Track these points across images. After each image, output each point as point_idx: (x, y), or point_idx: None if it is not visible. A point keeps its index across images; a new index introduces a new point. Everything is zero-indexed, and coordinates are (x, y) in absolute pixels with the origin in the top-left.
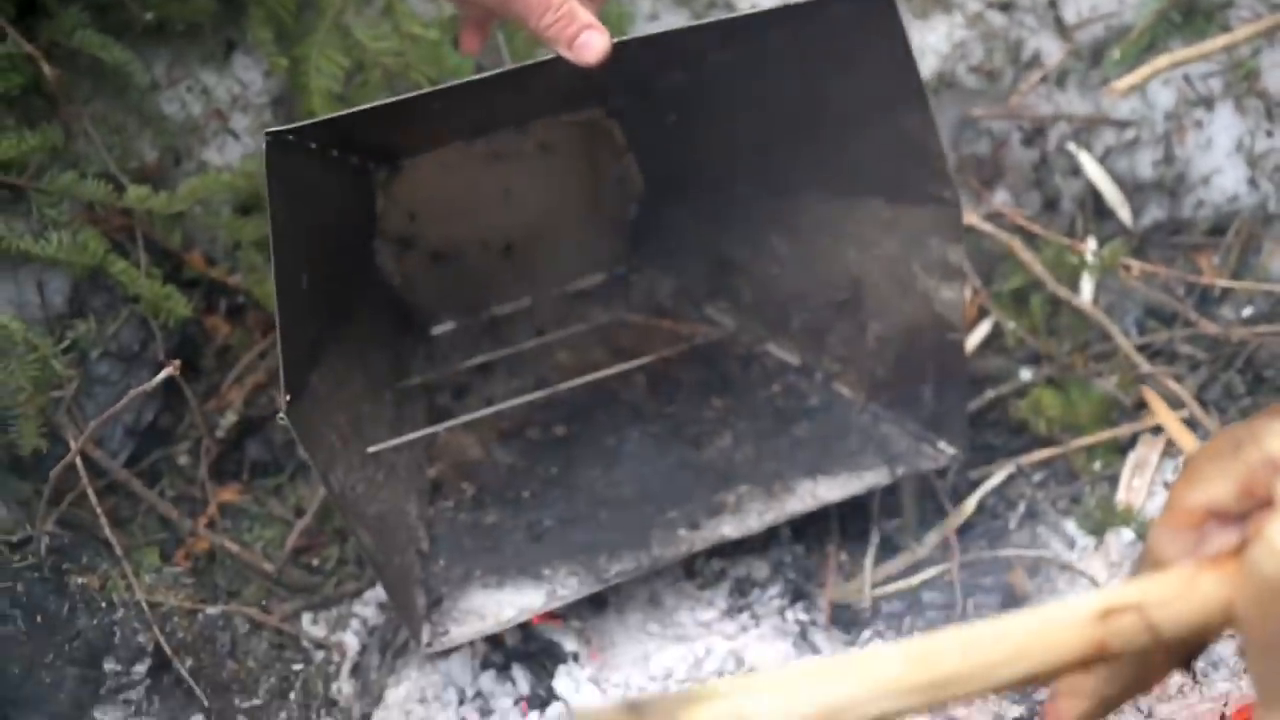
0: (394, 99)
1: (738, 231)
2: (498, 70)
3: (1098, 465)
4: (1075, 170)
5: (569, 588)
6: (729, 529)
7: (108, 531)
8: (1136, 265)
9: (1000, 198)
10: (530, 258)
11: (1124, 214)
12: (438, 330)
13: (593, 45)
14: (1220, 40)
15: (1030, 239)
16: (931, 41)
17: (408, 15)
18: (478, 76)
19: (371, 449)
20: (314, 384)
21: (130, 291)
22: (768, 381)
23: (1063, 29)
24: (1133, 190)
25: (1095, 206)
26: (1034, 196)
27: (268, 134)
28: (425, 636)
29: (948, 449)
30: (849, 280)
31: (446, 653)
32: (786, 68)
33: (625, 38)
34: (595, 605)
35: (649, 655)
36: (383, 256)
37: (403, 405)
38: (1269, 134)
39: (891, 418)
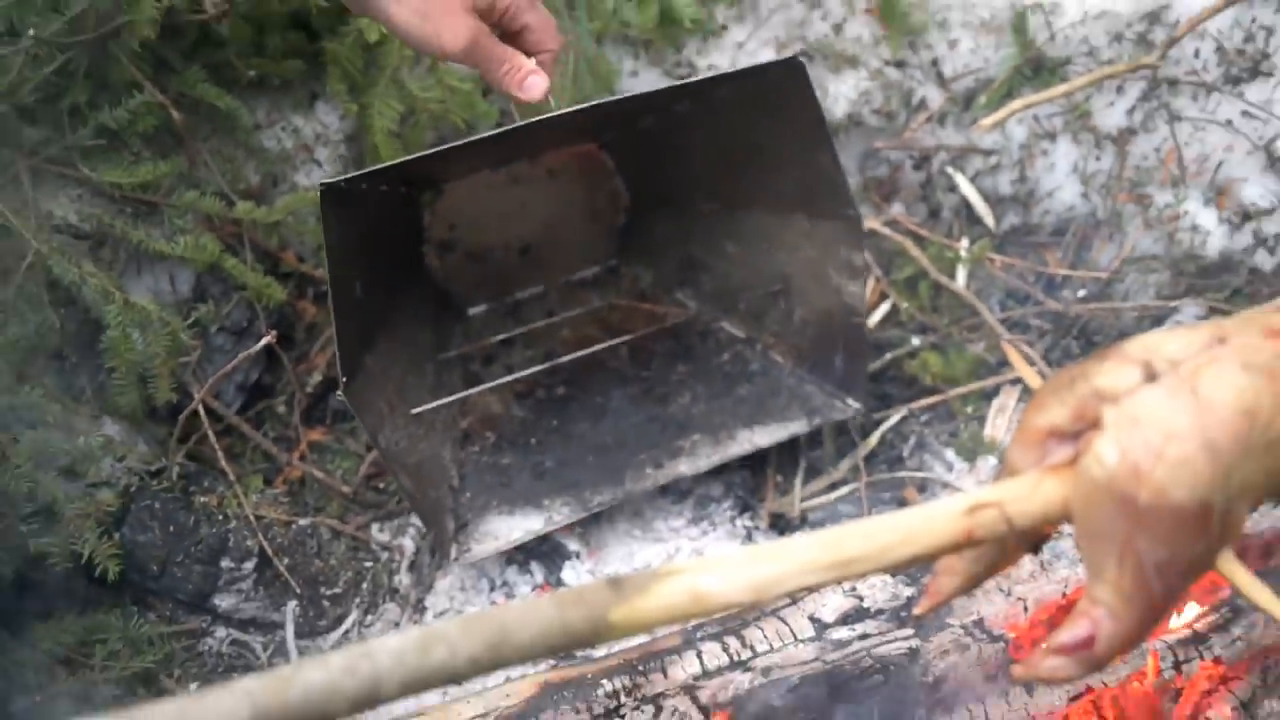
0: (434, 150)
1: (699, 237)
2: (513, 126)
3: (970, 409)
4: (952, 188)
5: (562, 515)
6: (684, 468)
7: (223, 463)
8: (999, 259)
9: (896, 209)
10: (542, 255)
11: (989, 220)
12: (473, 312)
13: (536, 86)
14: (1060, 89)
15: (919, 240)
16: (844, 90)
17: (449, 71)
18: (499, 130)
19: (415, 410)
20: (368, 364)
21: (239, 282)
22: (719, 352)
23: (943, 81)
24: (995, 202)
25: (967, 215)
26: (921, 208)
27: (321, 185)
28: (453, 554)
29: (853, 404)
30: (780, 275)
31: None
32: (731, 116)
33: (613, 97)
34: (593, 517)
35: (633, 553)
36: (429, 258)
37: (441, 374)
38: (1097, 159)
39: (811, 380)
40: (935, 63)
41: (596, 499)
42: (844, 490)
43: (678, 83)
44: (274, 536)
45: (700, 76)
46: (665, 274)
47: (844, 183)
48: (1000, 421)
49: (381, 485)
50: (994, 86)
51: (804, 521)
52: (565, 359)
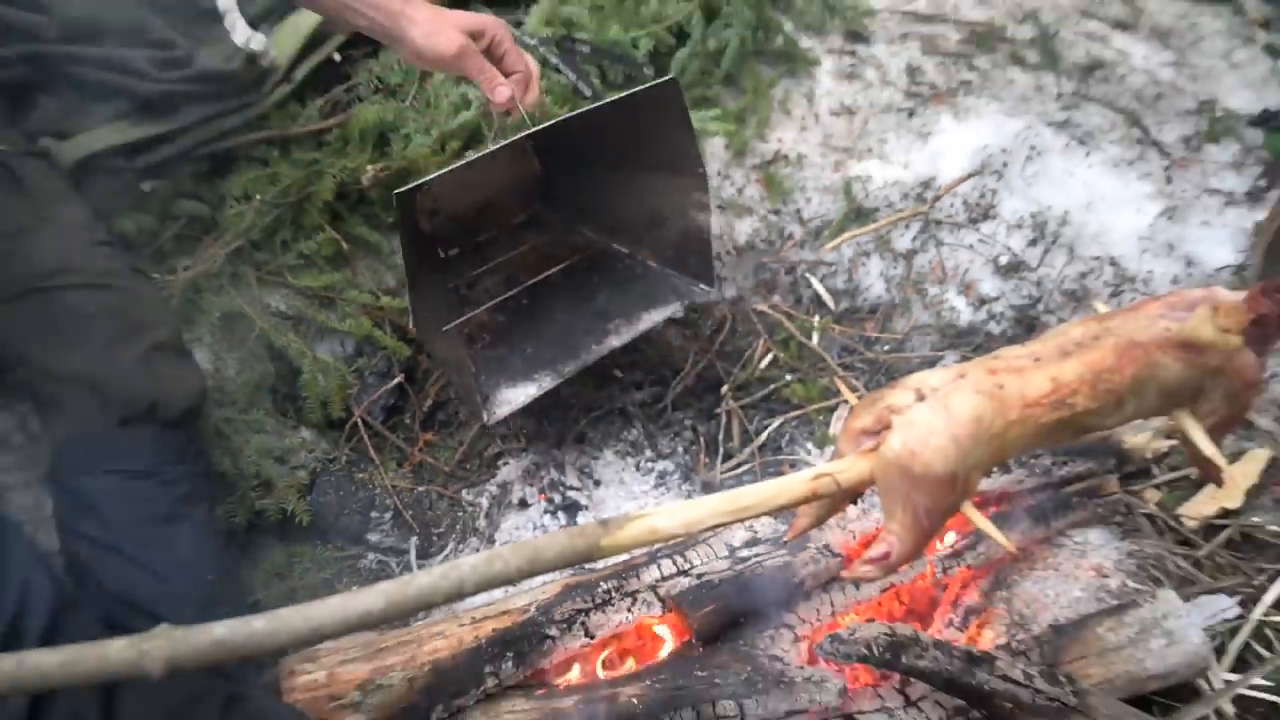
0: (446, 171)
1: (597, 187)
2: (490, 151)
3: (821, 418)
4: (809, 285)
5: (547, 382)
6: (614, 341)
7: (372, 454)
8: (836, 328)
9: (775, 298)
10: (494, 210)
11: (830, 304)
12: (452, 253)
13: (502, 93)
14: (871, 226)
15: (789, 316)
16: (744, 228)
17: None
18: (477, 157)
19: (444, 328)
20: (418, 305)
21: (382, 344)
22: (617, 265)
23: (802, 221)
24: (834, 294)
25: (817, 301)
26: (791, 297)
27: (397, 193)
28: (486, 417)
29: (705, 288)
30: (654, 211)
31: (517, 507)
32: (626, 115)
33: (551, 121)
34: (598, 486)
35: (620, 507)
36: (423, 223)
37: (452, 304)
38: (895, 268)
39: (678, 276)
40: (798, 211)
41: (565, 368)
42: (746, 468)
43: (597, 105)
44: (403, 498)
45: (611, 99)
46: (575, 218)
47: (697, 153)
48: (839, 426)
49: (467, 466)
50: (833, 225)
51: (723, 487)
52: (527, 284)
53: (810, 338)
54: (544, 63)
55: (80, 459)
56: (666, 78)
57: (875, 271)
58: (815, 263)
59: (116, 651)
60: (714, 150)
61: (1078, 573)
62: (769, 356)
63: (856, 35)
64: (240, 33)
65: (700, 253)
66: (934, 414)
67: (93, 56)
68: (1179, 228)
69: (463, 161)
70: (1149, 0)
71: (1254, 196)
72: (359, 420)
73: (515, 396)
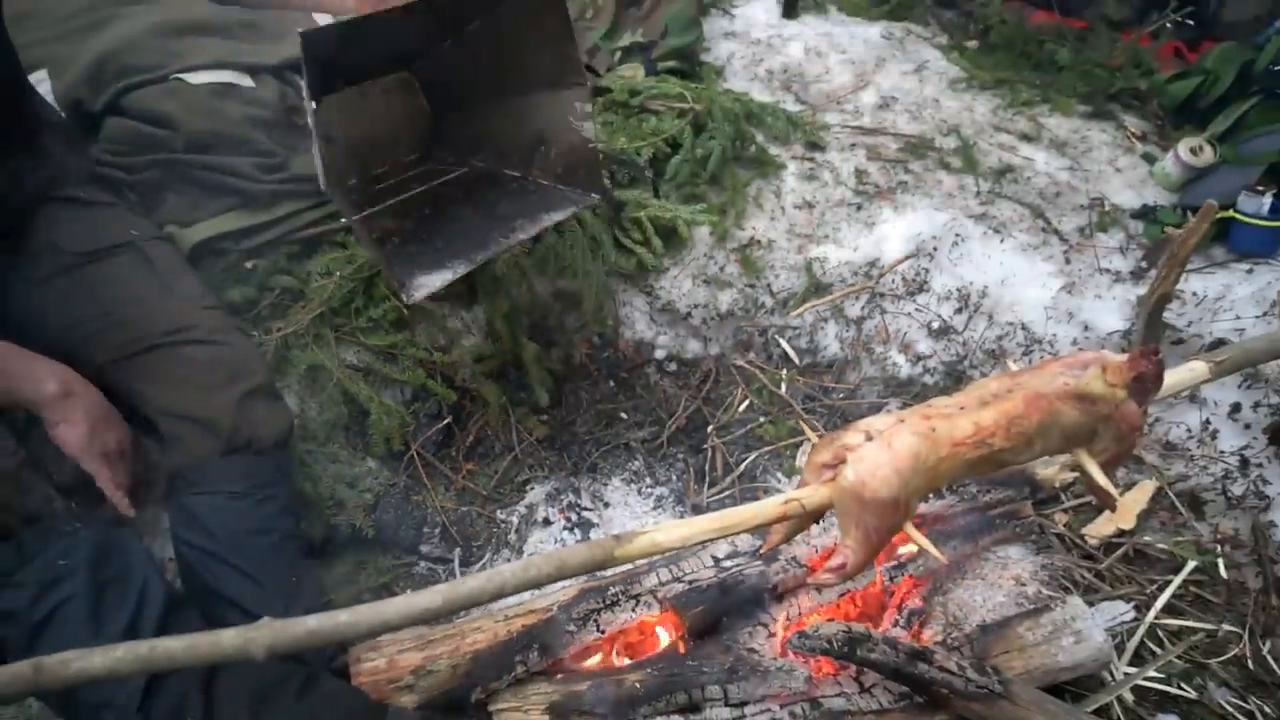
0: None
1: (485, 118)
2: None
3: (788, 453)
4: (778, 345)
5: (460, 267)
6: (521, 235)
7: (425, 480)
8: (800, 379)
9: (750, 355)
10: (386, 146)
11: (795, 360)
12: (352, 183)
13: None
14: (829, 298)
15: (762, 370)
16: (724, 298)
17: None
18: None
19: (352, 219)
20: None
21: (434, 392)
22: (510, 184)
23: (773, 293)
24: (798, 351)
25: (784, 358)
26: (764, 355)
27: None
28: (405, 297)
29: (594, 196)
30: (542, 131)
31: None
32: (504, 30)
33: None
34: (607, 507)
35: (626, 524)
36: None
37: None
38: (847, 331)
39: (568, 189)
40: (769, 285)
41: (477, 257)
42: (728, 493)
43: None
44: (449, 516)
45: None
46: (467, 147)
47: (579, 60)
48: (803, 460)
49: (501, 490)
50: (797, 296)
51: (709, 508)
52: (422, 189)
53: (779, 387)
54: None
55: (191, 482)
56: None
57: (831, 334)
58: (783, 327)
59: (228, 639)
60: (701, 236)
61: (1001, 581)
62: (746, 402)
63: (814, 145)
64: None
65: (589, 164)
66: (880, 451)
67: (210, 163)
68: (1077, 300)
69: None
70: (1049, 118)
71: (1137, 275)
72: (414, 453)
73: (432, 281)
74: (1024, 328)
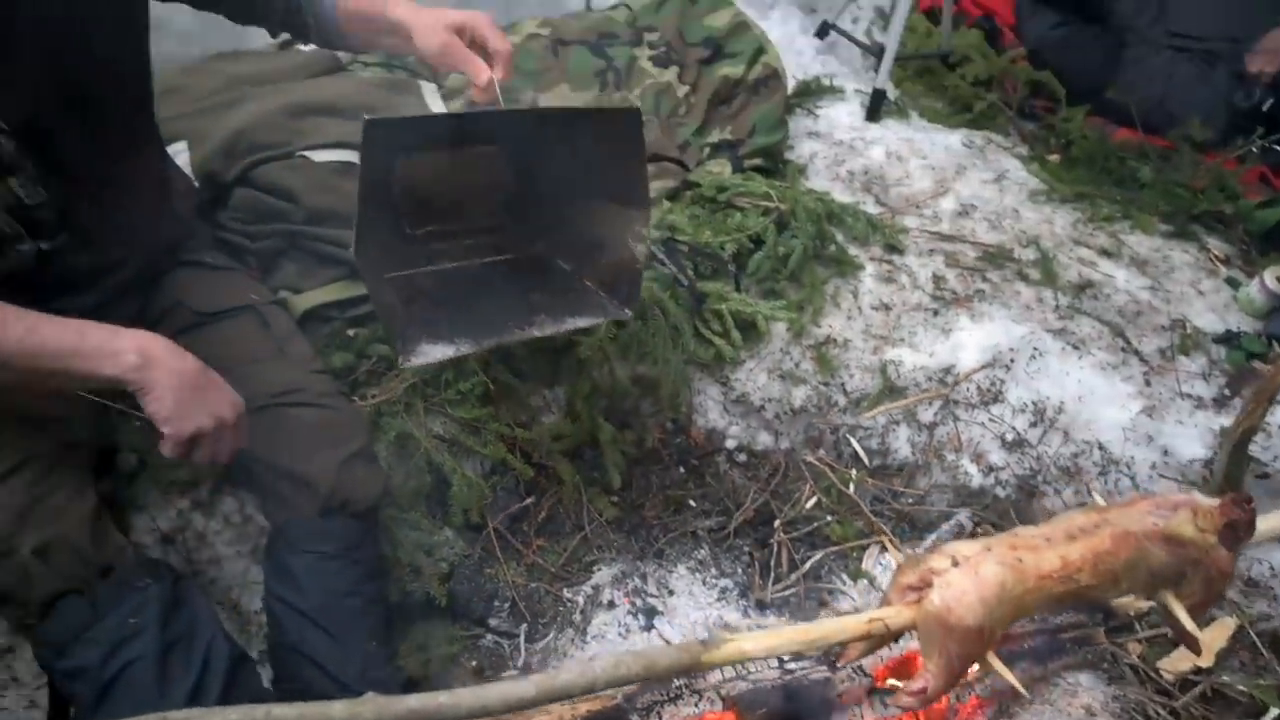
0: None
1: (553, 212)
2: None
3: (854, 554)
4: (849, 444)
5: (465, 347)
6: (535, 332)
7: (498, 553)
8: (869, 480)
9: (821, 452)
10: (463, 207)
11: (865, 460)
12: (418, 233)
13: (482, 76)
14: (902, 402)
15: (832, 469)
16: (798, 394)
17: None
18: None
19: (387, 275)
20: (371, 250)
21: (513, 466)
22: (555, 275)
23: (846, 393)
24: (868, 452)
25: (855, 457)
26: (834, 453)
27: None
28: (401, 361)
29: (627, 311)
30: (600, 237)
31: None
32: (584, 138)
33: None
34: (671, 595)
35: (690, 614)
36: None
37: (403, 257)
38: (919, 435)
39: (605, 298)
40: (842, 384)
41: (485, 341)
42: (792, 591)
43: (564, 109)
44: (518, 591)
45: (579, 107)
46: (530, 231)
47: (645, 185)
48: (869, 562)
49: (569, 568)
50: (870, 398)
51: (771, 606)
52: (468, 263)
53: (848, 487)
54: (651, 257)
55: (288, 539)
56: (631, 106)
57: (903, 437)
58: (854, 426)
59: (338, 710)
60: (778, 331)
61: (1070, 709)
62: (814, 499)
63: (893, 248)
64: None
65: (631, 280)
66: (966, 578)
67: (324, 235)
68: (1156, 423)
69: (436, 113)
70: (1130, 235)
71: (1220, 403)
72: (491, 528)
73: (433, 352)
74: (1101, 447)
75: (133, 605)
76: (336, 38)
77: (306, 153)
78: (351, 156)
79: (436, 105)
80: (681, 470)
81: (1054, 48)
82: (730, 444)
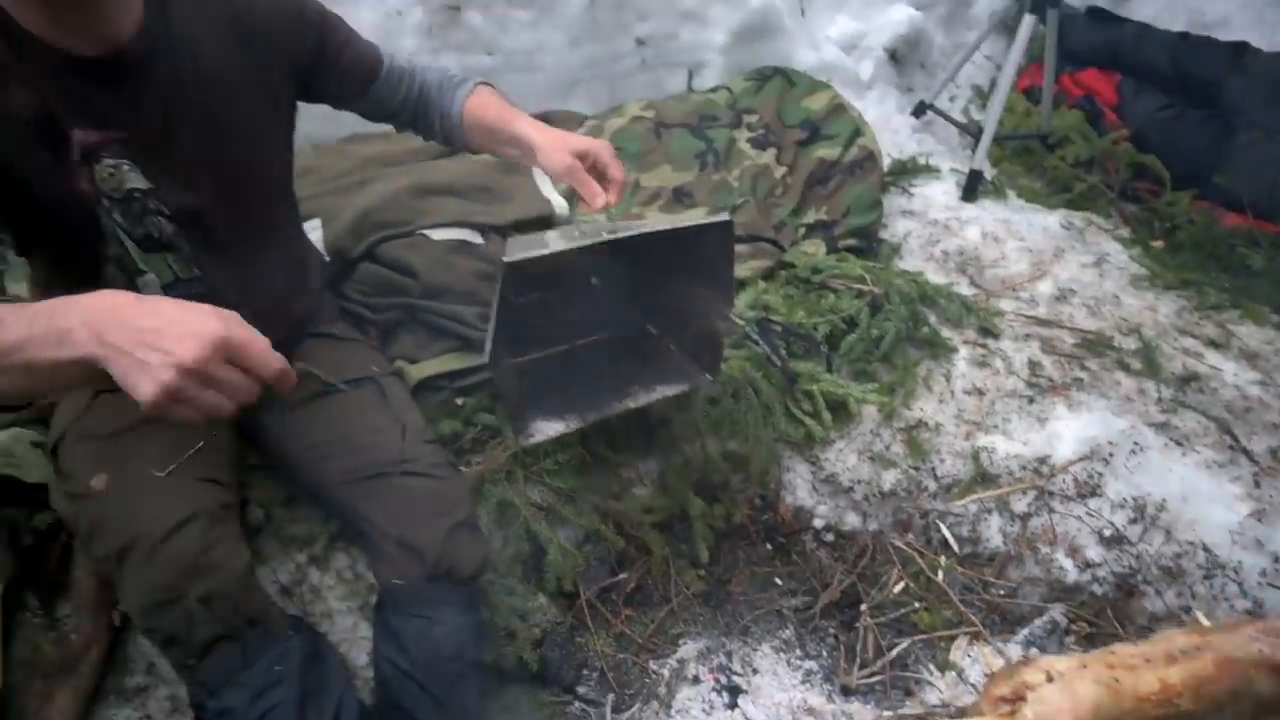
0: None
1: (647, 283)
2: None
3: (941, 643)
4: (939, 530)
5: (573, 423)
6: (630, 404)
7: (588, 621)
8: (959, 569)
9: (909, 537)
10: (572, 305)
11: (955, 547)
12: (535, 323)
13: (597, 203)
14: (995, 492)
15: (921, 554)
16: (888, 478)
17: None
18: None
19: (509, 361)
20: (498, 343)
21: (604, 537)
22: (646, 342)
23: (936, 478)
24: (958, 539)
25: (945, 544)
26: (923, 538)
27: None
28: (521, 440)
29: (709, 377)
30: (687, 312)
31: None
32: (685, 249)
33: (619, 238)
34: (755, 674)
35: (774, 695)
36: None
37: (519, 345)
38: (1011, 525)
39: (689, 366)
40: (933, 469)
41: (589, 417)
42: (878, 678)
43: (665, 229)
44: (607, 661)
45: (672, 227)
46: (621, 295)
47: (731, 279)
48: (957, 654)
49: (656, 640)
50: (962, 484)
51: (856, 692)
52: (570, 345)
53: (937, 574)
54: (745, 337)
55: (397, 602)
56: (724, 219)
57: (995, 526)
58: (944, 512)
59: None
60: (869, 414)
61: None
62: (901, 584)
63: (988, 331)
64: None
65: (713, 350)
66: (1061, 695)
67: (439, 309)
68: (1267, 529)
69: (562, 249)
70: (1239, 325)
71: None
72: (584, 599)
73: (548, 430)
74: (1206, 549)
75: (277, 655)
76: (459, 140)
77: (426, 231)
78: (467, 235)
79: (545, 186)
80: (769, 547)
81: (1159, 131)
82: (818, 523)
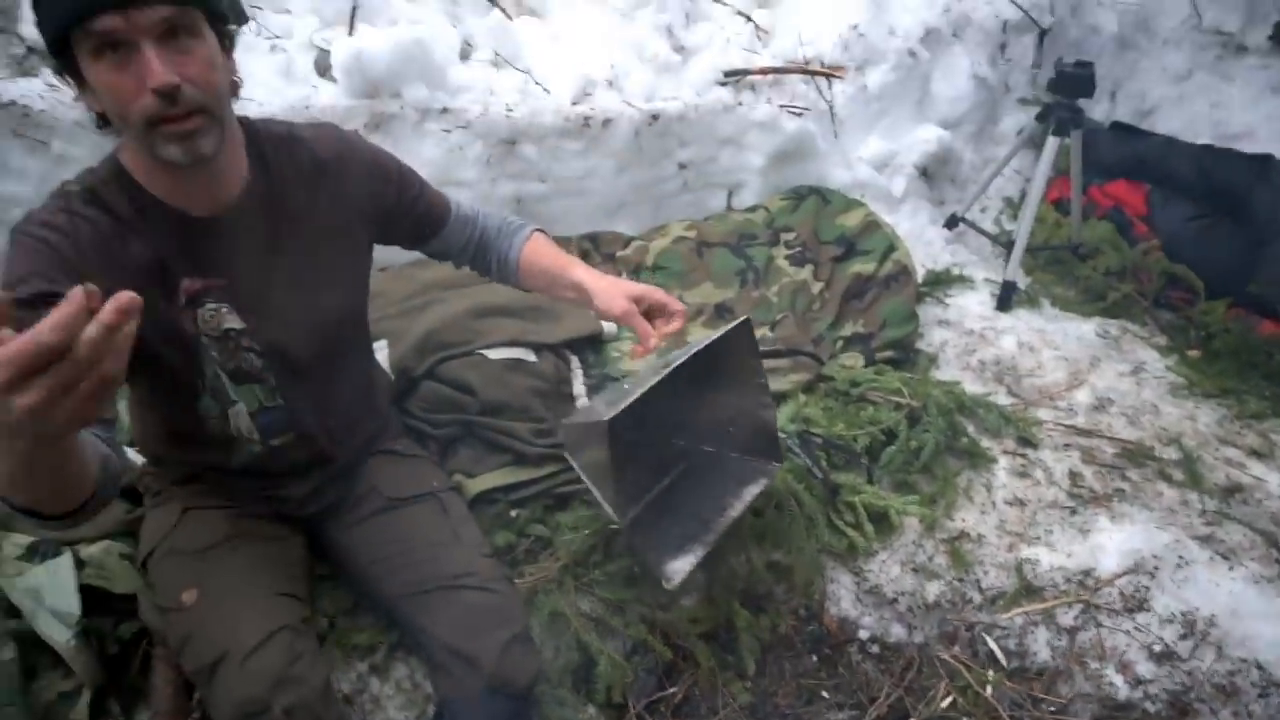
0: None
1: (687, 408)
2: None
3: None
4: (985, 643)
5: (699, 551)
6: (732, 514)
7: None
8: (1008, 684)
9: (955, 649)
10: (652, 443)
11: (1003, 662)
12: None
13: (650, 345)
14: (1040, 606)
15: (968, 668)
16: (931, 589)
17: None
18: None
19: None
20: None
21: (653, 647)
22: (706, 461)
23: (981, 590)
24: (1007, 653)
25: (992, 657)
26: (969, 651)
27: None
28: (667, 584)
29: (777, 466)
30: (731, 415)
31: None
32: (714, 357)
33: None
34: None
35: None
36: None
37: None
38: (1059, 640)
39: (754, 460)
40: (977, 581)
41: (708, 539)
42: None
43: (700, 352)
44: None
45: (705, 343)
46: (665, 431)
47: (760, 370)
48: None
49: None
50: (1006, 597)
51: None
52: (660, 482)
53: (985, 689)
54: (787, 449)
55: (454, 714)
56: (742, 320)
57: (1042, 640)
58: (990, 625)
59: None
60: (911, 525)
61: None
62: (949, 699)
63: (1026, 441)
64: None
65: (769, 439)
66: None
67: (497, 425)
68: None
69: (643, 390)
70: None
71: None
72: (631, 707)
73: (683, 567)
74: (1260, 667)
75: None
76: (513, 281)
77: (484, 350)
78: (521, 354)
79: None
80: (814, 659)
81: (1190, 240)
82: (863, 634)
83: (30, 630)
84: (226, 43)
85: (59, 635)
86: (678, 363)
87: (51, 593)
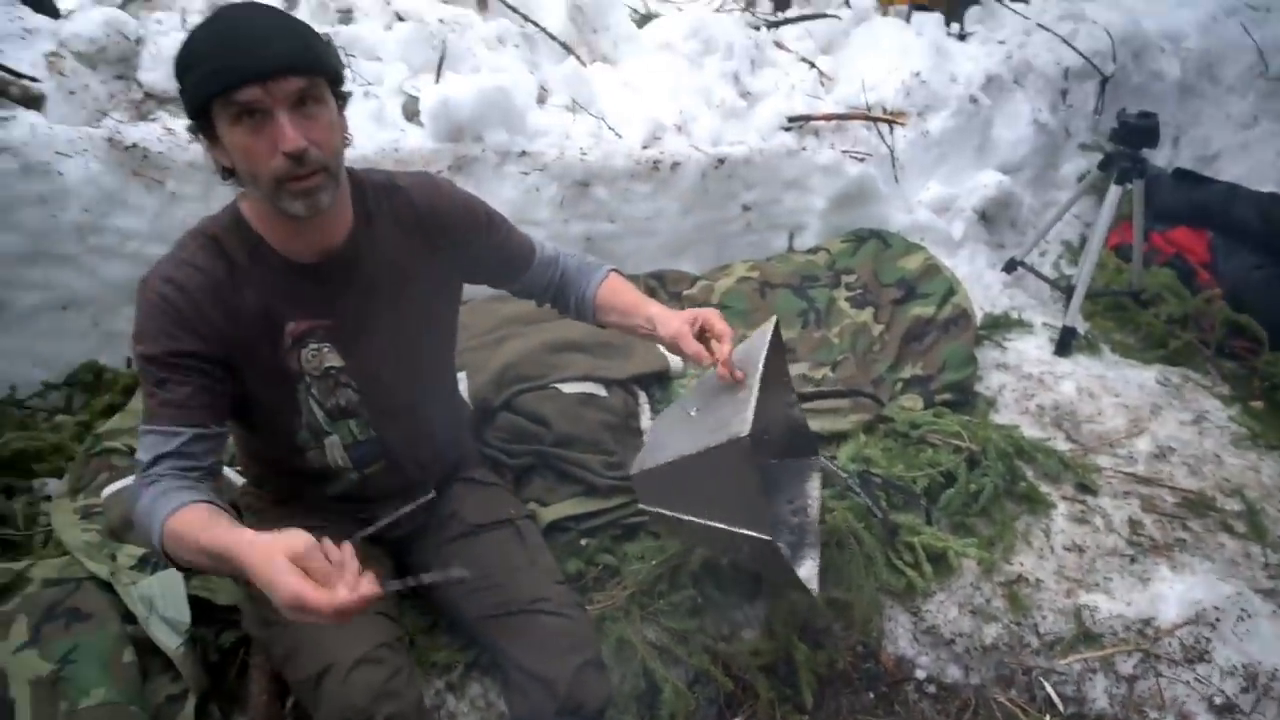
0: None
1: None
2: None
3: None
4: (1043, 688)
5: (815, 557)
6: (812, 512)
7: None
8: None
9: (1012, 693)
10: None
11: (1061, 708)
12: None
13: (705, 361)
14: (1098, 653)
15: (1025, 711)
16: (989, 631)
17: None
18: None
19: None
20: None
21: (714, 677)
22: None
23: (1039, 635)
24: (1064, 698)
25: (1049, 702)
26: (1026, 695)
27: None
28: (811, 591)
29: (819, 459)
30: (765, 423)
31: None
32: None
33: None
34: None
35: None
36: None
37: None
38: (1117, 688)
39: (794, 460)
40: (1035, 625)
41: (810, 540)
42: None
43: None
44: None
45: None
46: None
47: (786, 370)
48: None
49: None
50: (1064, 642)
51: None
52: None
53: None
54: (846, 488)
55: None
56: (772, 319)
57: (1100, 687)
58: (1048, 670)
59: None
60: (969, 567)
61: None
62: None
63: (1085, 488)
64: None
65: (805, 436)
66: None
67: (569, 457)
68: None
69: (752, 410)
70: None
71: None
72: None
73: (812, 570)
74: None
75: None
76: (589, 318)
77: (558, 384)
78: (593, 389)
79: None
80: (871, 695)
81: (1254, 289)
82: (920, 674)
83: (143, 635)
84: (342, 104)
85: (170, 641)
86: (758, 371)
87: (164, 601)
